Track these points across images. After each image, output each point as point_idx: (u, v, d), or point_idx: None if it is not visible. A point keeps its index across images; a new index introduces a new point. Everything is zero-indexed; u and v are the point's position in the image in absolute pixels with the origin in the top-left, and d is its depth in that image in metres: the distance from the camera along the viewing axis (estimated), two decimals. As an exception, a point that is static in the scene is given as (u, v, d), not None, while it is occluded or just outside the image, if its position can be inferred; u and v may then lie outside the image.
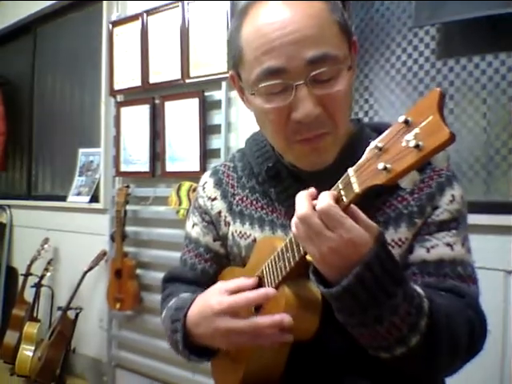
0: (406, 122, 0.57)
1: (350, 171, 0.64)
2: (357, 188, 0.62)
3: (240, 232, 0.97)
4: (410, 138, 0.55)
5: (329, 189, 0.67)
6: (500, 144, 1.82)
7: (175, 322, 0.89)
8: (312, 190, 0.70)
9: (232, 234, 0.98)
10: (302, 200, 0.68)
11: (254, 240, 0.95)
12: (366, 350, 0.84)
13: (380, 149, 0.59)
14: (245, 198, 0.98)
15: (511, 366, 1.64)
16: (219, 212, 1.00)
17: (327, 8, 0.79)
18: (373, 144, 0.61)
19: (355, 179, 0.63)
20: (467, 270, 0.83)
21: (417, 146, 0.54)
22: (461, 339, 0.75)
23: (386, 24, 2.10)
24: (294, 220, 0.69)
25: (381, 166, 0.58)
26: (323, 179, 0.71)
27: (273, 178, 0.93)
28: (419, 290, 0.71)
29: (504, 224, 1.68)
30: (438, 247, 0.83)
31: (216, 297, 0.81)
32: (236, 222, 0.98)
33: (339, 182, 0.66)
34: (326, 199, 0.65)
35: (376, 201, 0.84)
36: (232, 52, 0.85)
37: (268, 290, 0.78)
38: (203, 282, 1.02)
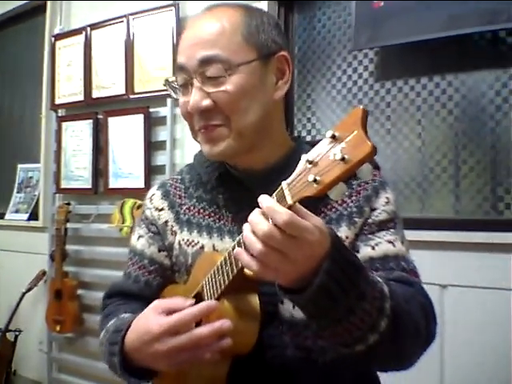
0: (333, 136, 0.60)
1: (284, 184, 0.66)
2: (290, 200, 0.64)
3: (187, 240, 0.98)
4: (336, 152, 0.58)
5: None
6: (434, 163, 1.91)
7: (113, 344, 0.87)
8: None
9: (179, 242, 0.99)
10: (257, 221, 0.65)
11: (202, 247, 0.95)
12: (307, 360, 0.85)
13: (311, 162, 0.62)
14: (192, 207, 0.99)
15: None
16: (166, 222, 1.01)
17: (240, 21, 0.87)
18: (304, 158, 0.63)
19: (288, 192, 0.65)
20: (410, 265, 0.89)
21: (343, 159, 0.57)
22: (420, 322, 0.79)
23: (327, 46, 2.17)
24: (257, 250, 0.65)
25: (311, 178, 0.61)
26: (269, 187, 0.71)
27: (221, 185, 0.96)
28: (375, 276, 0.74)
29: (438, 240, 1.75)
30: (382, 244, 0.88)
31: (154, 319, 0.79)
32: (183, 230, 0.99)
33: (274, 194, 0.68)
34: (281, 210, 0.64)
35: (319, 204, 0.89)
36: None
37: (209, 303, 0.78)
38: (146, 295, 1.00)
